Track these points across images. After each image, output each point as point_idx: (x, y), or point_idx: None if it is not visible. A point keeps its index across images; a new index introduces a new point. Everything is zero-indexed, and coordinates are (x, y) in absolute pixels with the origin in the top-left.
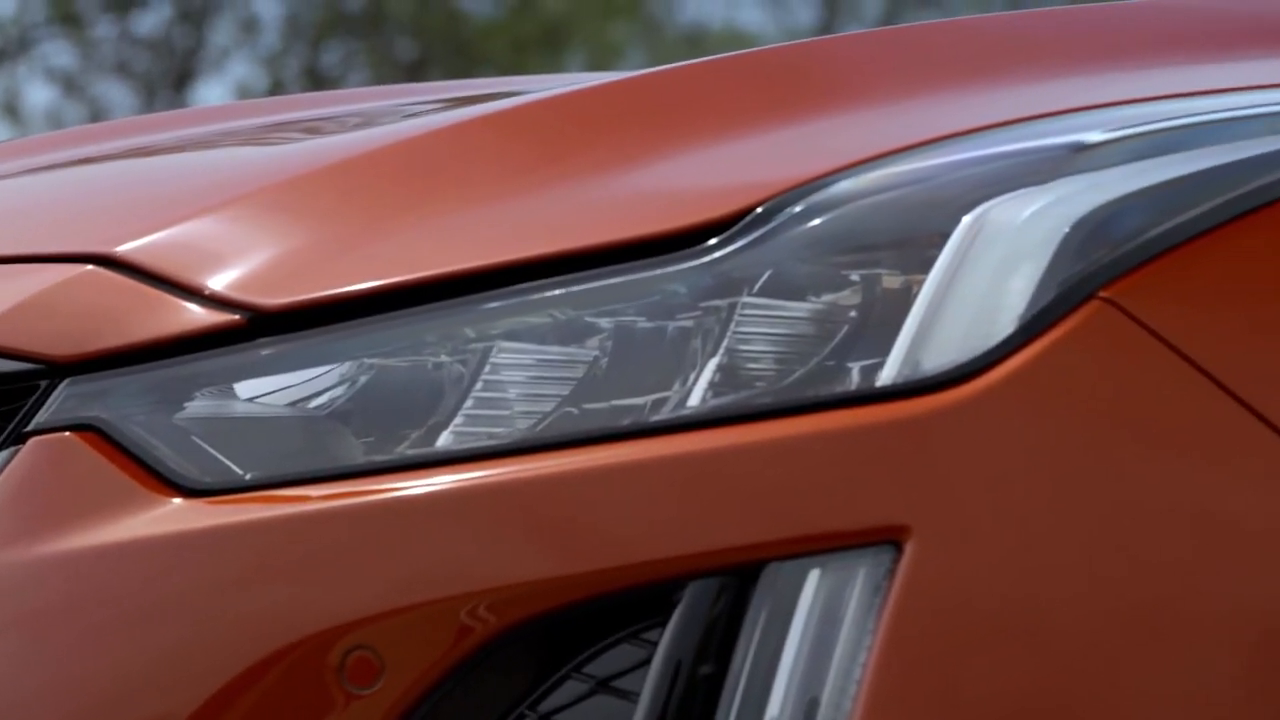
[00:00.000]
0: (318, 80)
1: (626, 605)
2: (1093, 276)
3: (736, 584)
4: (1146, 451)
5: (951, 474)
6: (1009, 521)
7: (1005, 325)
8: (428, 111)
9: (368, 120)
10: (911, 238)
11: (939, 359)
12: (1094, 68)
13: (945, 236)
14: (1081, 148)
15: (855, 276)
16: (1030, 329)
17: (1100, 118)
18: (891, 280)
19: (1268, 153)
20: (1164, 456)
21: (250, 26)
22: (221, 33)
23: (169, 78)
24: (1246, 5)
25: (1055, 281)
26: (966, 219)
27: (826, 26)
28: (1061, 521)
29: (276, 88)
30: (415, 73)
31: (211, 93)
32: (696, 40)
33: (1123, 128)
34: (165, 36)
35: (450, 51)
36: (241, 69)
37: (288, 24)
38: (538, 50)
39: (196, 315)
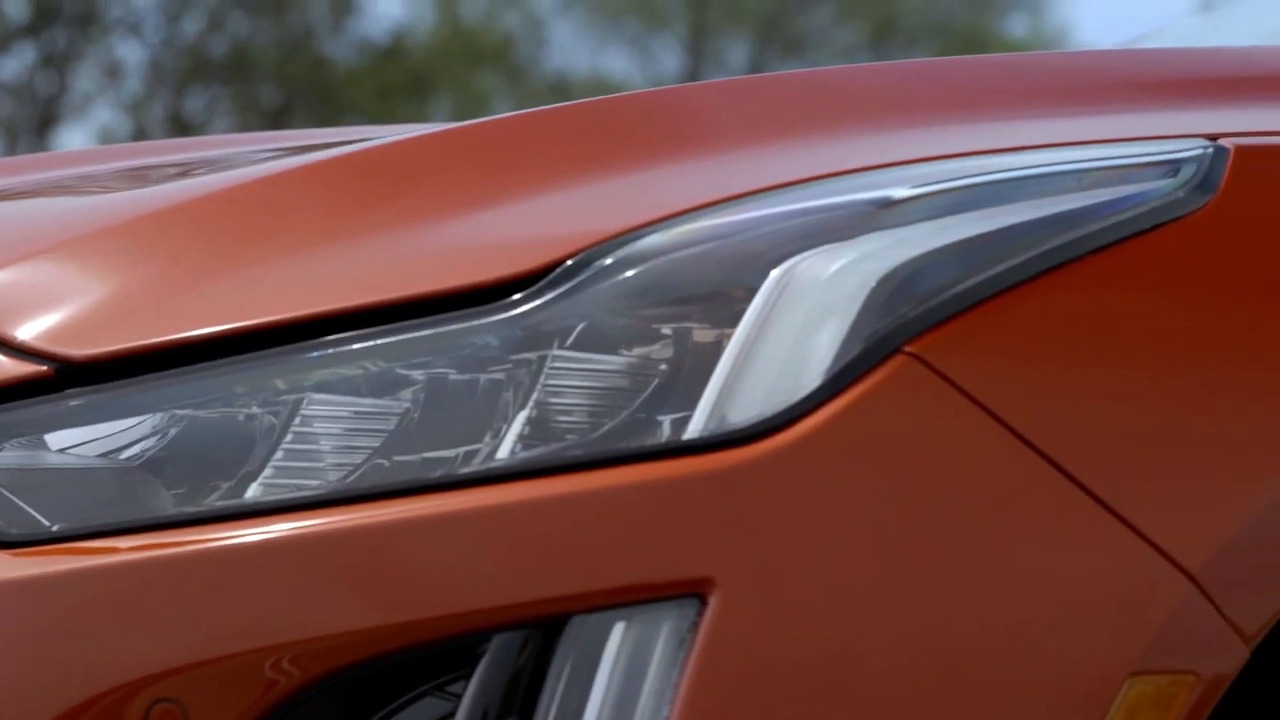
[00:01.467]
0: (182, 126)
1: (433, 658)
2: (898, 331)
3: (541, 636)
4: (952, 505)
5: (757, 527)
6: (815, 575)
7: (811, 379)
8: (269, 158)
9: (210, 167)
10: (720, 291)
11: (746, 412)
12: (908, 122)
13: (753, 291)
14: (887, 203)
15: (665, 330)
16: (836, 383)
17: (906, 173)
18: (700, 334)
19: (1071, 210)
20: (969, 509)
21: (114, 72)
22: (85, 78)
23: (31, 123)
24: (1057, 62)
25: (861, 336)
26: (774, 273)
27: (692, 74)
28: (868, 575)
29: (140, 133)
30: (279, 119)
31: (74, 138)
32: (562, 88)
33: (928, 184)
34: (28, 81)
35: (315, 98)
36: (105, 114)
37: (152, 70)
38: (403, 98)
39: (4, 366)
